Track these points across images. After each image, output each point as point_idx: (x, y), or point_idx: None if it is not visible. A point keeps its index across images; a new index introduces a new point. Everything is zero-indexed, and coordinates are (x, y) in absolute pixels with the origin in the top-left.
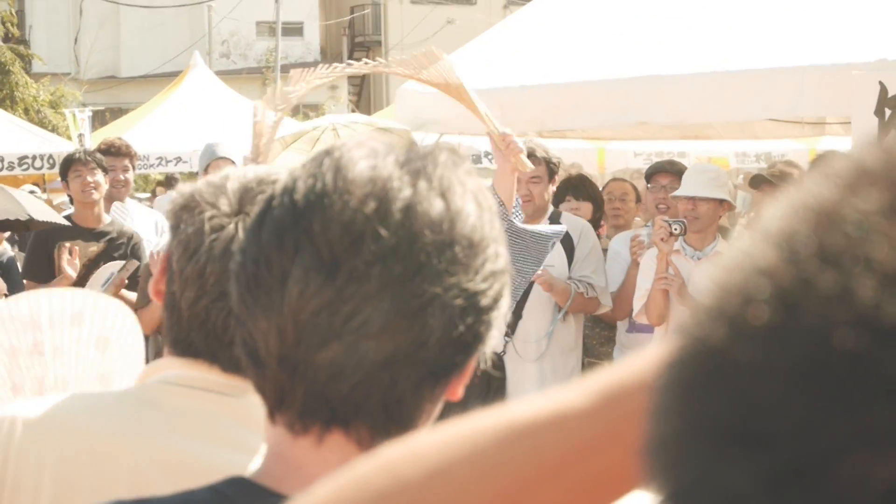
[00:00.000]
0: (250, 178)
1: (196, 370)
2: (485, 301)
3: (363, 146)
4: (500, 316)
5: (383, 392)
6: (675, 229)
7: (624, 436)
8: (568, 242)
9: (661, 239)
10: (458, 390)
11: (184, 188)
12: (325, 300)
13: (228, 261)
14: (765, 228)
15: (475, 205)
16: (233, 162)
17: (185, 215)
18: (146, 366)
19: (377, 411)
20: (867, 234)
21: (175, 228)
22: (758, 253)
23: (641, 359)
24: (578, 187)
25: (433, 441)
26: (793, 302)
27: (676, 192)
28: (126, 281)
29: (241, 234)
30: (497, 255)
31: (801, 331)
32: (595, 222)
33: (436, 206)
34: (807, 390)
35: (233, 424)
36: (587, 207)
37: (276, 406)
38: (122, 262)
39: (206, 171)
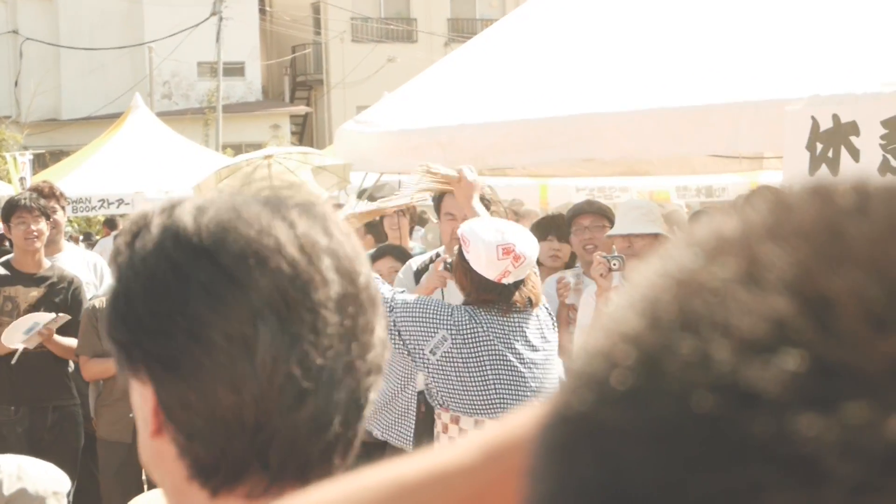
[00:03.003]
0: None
1: None
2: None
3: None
4: None
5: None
6: (614, 265)
7: (505, 492)
8: None
9: (601, 275)
10: None
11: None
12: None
13: None
14: (630, 295)
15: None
16: None
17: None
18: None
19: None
20: (724, 300)
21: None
22: (623, 319)
23: (524, 416)
24: (561, 227)
25: (322, 499)
26: (655, 367)
27: (611, 232)
28: (53, 331)
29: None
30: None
31: (662, 395)
32: (573, 264)
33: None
34: (669, 453)
35: None
36: (567, 249)
37: (238, 474)
38: (52, 315)
39: None
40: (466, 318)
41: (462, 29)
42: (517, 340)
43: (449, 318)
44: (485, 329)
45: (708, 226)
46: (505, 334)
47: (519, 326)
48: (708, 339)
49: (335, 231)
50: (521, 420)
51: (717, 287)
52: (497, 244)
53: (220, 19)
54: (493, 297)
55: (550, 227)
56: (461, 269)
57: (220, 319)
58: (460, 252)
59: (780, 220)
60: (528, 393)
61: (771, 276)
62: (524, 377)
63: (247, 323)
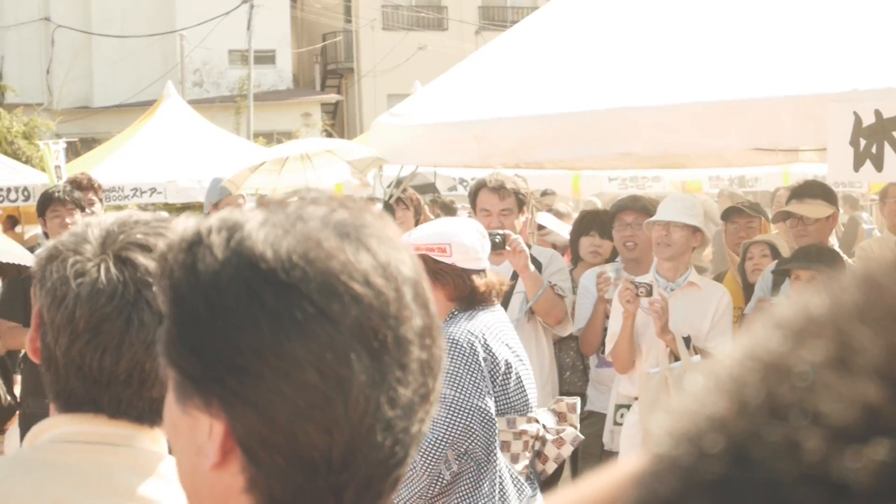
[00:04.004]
0: (111, 223)
1: (84, 424)
2: None
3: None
4: None
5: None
6: (641, 291)
7: None
8: (538, 269)
9: (627, 301)
10: None
11: (48, 243)
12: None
13: (97, 304)
14: (715, 374)
15: None
16: (243, 197)
17: (49, 266)
18: (34, 427)
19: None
20: (814, 386)
21: (41, 280)
22: (709, 401)
23: (609, 479)
24: (605, 224)
25: None
26: (743, 455)
27: (650, 219)
28: None
29: (103, 276)
30: None
31: (751, 485)
32: (612, 261)
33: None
34: None
35: (127, 474)
36: (608, 245)
37: None
38: None
39: (215, 206)
40: (478, 338)
41: (493, 17)
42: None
43: (475, 360)
44: (491, 331)
45: (795, 305)
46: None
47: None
48: (797, 427)
49: (409, 257)
50: (608, 482)
51: (805, 372)
52: (475, 229)
53: (251, 7)
54: (487, 288)
55: (593, 223)
56: (444, 280)
57: (314, 358)
58: (434, 265)
59: (870, 301)
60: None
61: (861, 360)
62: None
63: (341, 361)
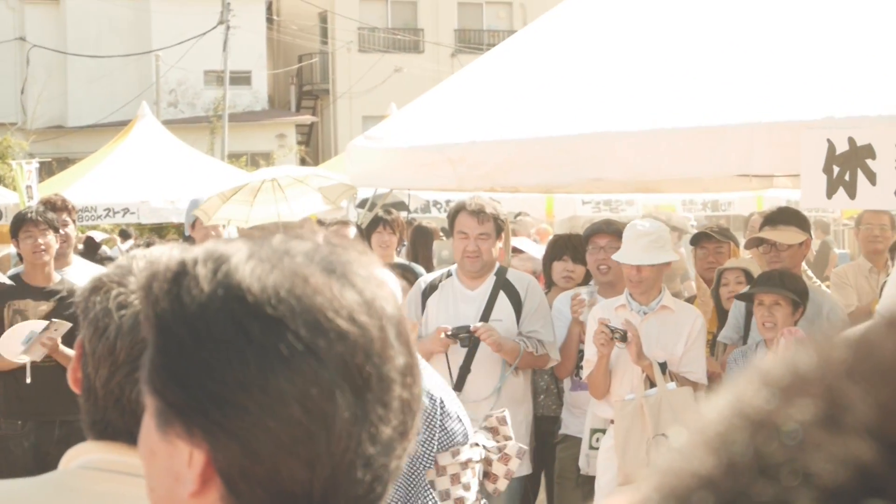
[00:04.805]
0: (157, 256)
1: (115, 453)
2: None
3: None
4: None
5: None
6: (616, 335)
7: None
8: (515, 297)
9: (602, 343)
10: None
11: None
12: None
13: (137, 336)
14: (702, 431)
15: None
16: (216, 229)
17: (92, 297)
18: (69, 451)
19: None
20: (803, 445)
21: (85, 312)
22: (695, 458)
23: None
24: (577, 248)
25: None
26: None
27: (618, 257)
28: (58, 341)
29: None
30: None
31: None
32: (584, 285)
33: None
34: None
35: None
36: (581, 270)
37: None
38: (46, 322)
39: (192, 226)
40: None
41: (469, 39)
42: None
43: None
44: None
45: (783, 362)
46: None
47: None
48: (787, 488)
49: (392, 296)
50: None
51: (794, 430)
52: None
53: (227, 28)
54: None
55: (566, 248)
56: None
57: (299, 393)
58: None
59: (859, 358)
60: None
61: (852, 419)
62: None
63: (326, 397)
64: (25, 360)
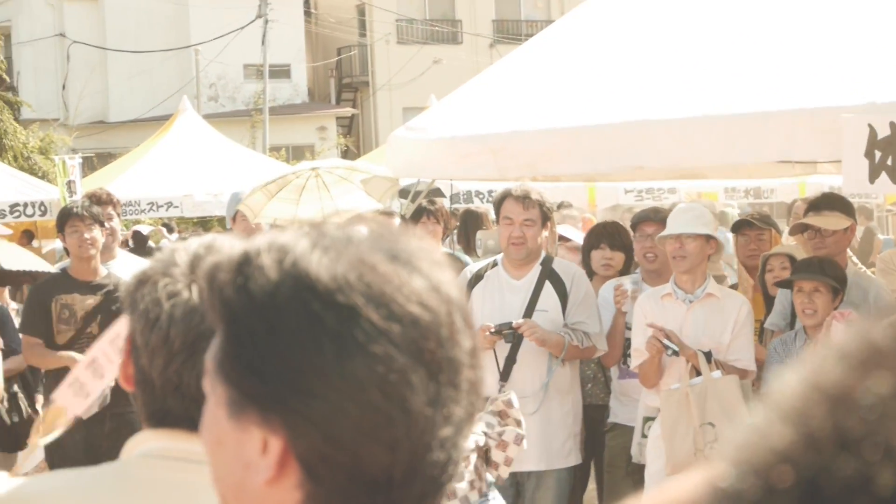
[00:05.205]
0: (196, 246)
1: (176, 440)
2: None
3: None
4: None
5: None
6: (668, 353)
7: None
8: (561, 288)
9: (654, 351)
10: None
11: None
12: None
13: (191, 323)
14: (779, 406)
15: None
16: (260, 226)
17: (139, 291)
18: (129, 441)
19: None
20: (884, 419)
21: (133, 306)
22: (773, 434)
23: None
24: (613, 236)
25: None
26: (814, 490)
27: (662, 234)
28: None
29: (195, 295)
30: None
31: None
32: (626, 272)
33: None
34: None
35: (210, 493)
36: (619, 257)
37: None
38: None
39: (233, 219)
40: None
41: (507, 30)
42: None
43: None
44: None
45: (858, 336)
46: None
47: None
48: (869, 462)
49: (456, 281)
50: (689, 489)
51: (874, 404)
52: None
53: (266, 21)
54: None
55: (603, 236)
56: None
57: (377, 378)
58: None
59: None
60: None
61: None
62: None
63: (402, 382)
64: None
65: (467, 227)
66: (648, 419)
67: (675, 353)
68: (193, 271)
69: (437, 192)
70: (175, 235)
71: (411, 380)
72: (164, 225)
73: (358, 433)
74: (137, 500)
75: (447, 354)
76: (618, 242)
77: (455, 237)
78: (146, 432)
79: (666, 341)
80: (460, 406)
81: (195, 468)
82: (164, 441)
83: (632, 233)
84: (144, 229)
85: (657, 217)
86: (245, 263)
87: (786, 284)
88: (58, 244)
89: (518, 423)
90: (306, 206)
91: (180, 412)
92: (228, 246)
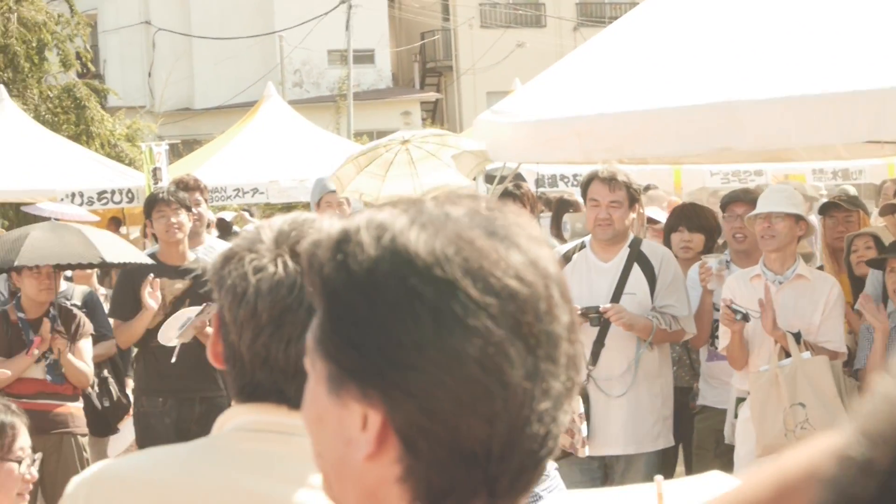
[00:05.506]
0: (280, 223)
1: (264, 413)
2: None
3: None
4: None
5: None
6: (738, 317)
7: None
8: (649, 270)
9: (728, 322)
10: None
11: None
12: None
13: (277, 296)
14: None
15: None
16: (348, 201)
17: (226, 268)
18: (219, 417)
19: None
20: None
21: (220, 283)
22: None
23: (814, 452)
24: (691, 218)
25: None
26: None
27: (751, 213)
28: (206, 323)
29: (282, 269)
30: None
31: None
32: (708, 252)
33: None
34: None
35: (300, 463)
36: (699, 239)
37: (465, 499)
38: (200, 307)
39: (318, 204)
40: None
41: (591, 13)
42: None
43: None
44: None
45: None
46: None
47: None
48: None
49: (553, 256)
50: (811, 457)
51: None
52: None
53: (350, 7)
54: None
55: (680, 219)
56: None
57: (475, 352)
58: None
59: None
60: None
61: None
62: None
63: (501, 355)
64: (176, 343)
65: (559, 214)
66: (741, 400)
67: (745, 318)
68: (279, 246)
69: (519, 177)
70: (257, 221)
71: (509, 353)
72: (245, 210)
73: (456, 406)
74: (230, 471)
75: (545, 328)
76: (695, 224)
77: (539, 221)
78: (235, 407)
79: (734, 305)
80: (559, 380)
81: (285, 439)
82: (253, 415)
83: (721, 213)
84: (227, 216)
85: (747, 197)
86: (344, 241)
87: (877, 264)
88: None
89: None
90: (392, 183)
91: (269, 385)
92: (316, 222)
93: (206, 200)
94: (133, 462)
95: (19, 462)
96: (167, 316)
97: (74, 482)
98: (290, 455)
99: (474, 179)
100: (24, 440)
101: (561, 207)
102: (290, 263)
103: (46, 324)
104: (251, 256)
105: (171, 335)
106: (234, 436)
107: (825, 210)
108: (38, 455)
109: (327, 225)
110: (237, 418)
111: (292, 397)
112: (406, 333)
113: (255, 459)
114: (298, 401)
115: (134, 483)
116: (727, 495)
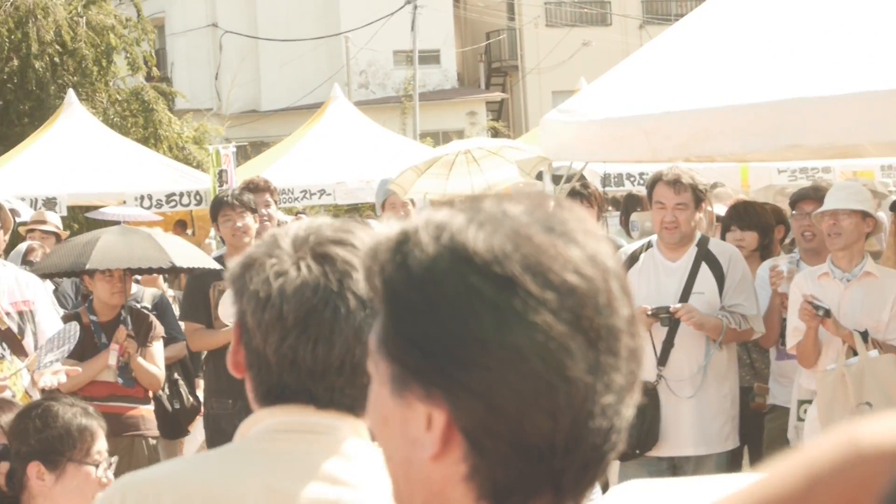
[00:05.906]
0: (296, 229)
1: (292, 414)
2: None
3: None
4: None
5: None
6: (820, 313)
7: None
8: (717, 269)
9: (807, 319)
10: None
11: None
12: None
13: (303, 298)
14: None
15: None
16: (412, 202)
17: (247, 274)
18: (243, 422)
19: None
20: None
21: (241, 290)
22: None
23: (842, 445)
24: (742, 216)
25: None
26: None
27: (818, 210)
28: None
29: (304, 271)
30: None
31: None
32: (764, 250)
33: None
34: None
35: (330, 461)
36: (752, 237)
37: (530, 495)
38: None
39: (383, 206)
40: None
41: (657, 11)
42: None
43: None
44: None
45: None
46: None
47: None
48: None
49: (612, 251)
50: (841, 452)
51: None
52: None
53: (415, 7)
54: None
55: (732, 219)
56: None
57: (537, 347)
58: None
59: None
60: None
61: None
62: None
63: (562, 350)
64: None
65: (628, 211)
66: (804, 402)
67: (827, 314)
68: (298, 250)
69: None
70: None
71: (570, 347)
72: (299, 213)
73: (519, 402)
74: (264, 473)
75: (605, 322)
76: (746, 222)
77: (606, 220)
78: (260, 412)
79: (816, 301)
80: (620, 374)
81: (313, 438)
82: (279, 416)
83: (790, 211)
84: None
85: (816, 195)
86: (403, 242)
87: None
88: (213, 233)
89: None
90: (456, 181)
91: (296, 386)
92: (387, 228)
93: (275, 202)
94: (167, 468)
95: (97, 465)
96: None
97: (109, 488)
98: (319, 453)
99: (537, 177)
100: (101, 444)
101: (630, 204)
102: (313, 265)
103: (122, 331)
104: (272, 262)
105: (229, 311)
106: (264, 437)
107: (894, 206)
108: (115, 459)
109: (386, 228)
110: (263, 422)
111: (320, 397)
112: (467, 331)
113: (287, 460)
114: (326, 400)
115: (168, 488)
116: (753, 487)
